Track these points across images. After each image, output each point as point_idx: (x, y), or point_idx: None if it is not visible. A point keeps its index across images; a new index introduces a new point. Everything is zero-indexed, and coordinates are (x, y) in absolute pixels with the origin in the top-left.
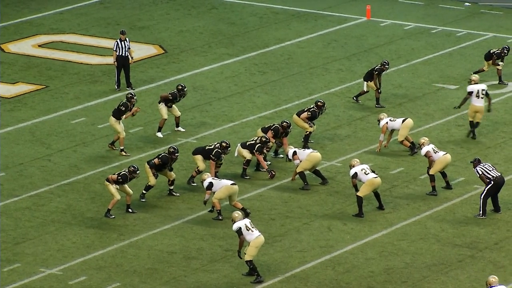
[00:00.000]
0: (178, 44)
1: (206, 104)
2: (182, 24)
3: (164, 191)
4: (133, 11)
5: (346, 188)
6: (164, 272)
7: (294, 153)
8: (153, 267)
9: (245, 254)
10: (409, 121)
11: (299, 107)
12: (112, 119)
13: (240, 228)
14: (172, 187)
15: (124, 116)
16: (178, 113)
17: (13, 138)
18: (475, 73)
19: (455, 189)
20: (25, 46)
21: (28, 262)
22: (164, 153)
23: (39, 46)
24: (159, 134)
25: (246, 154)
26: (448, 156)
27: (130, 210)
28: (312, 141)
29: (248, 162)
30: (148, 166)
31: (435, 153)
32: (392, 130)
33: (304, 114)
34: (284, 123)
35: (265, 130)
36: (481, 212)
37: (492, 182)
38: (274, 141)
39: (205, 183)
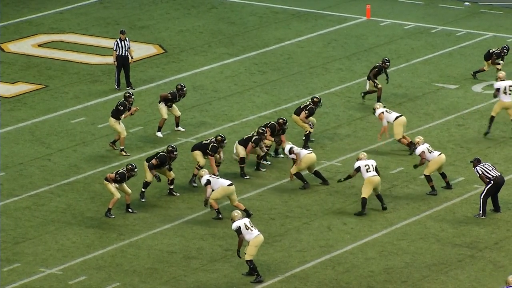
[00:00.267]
0: (178, 43)
1: (206, 103)
2: (182, 23)
3: (164, 190)
4: (133, 11)
5: (346, 188)
6: (164, 272)
7: (291, 148)
8: (153, 266)
9: (245, 253)
10: (403, 118)
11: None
12: (112, 119)
13: (239, 227)
14: (172, 187)
15: (123, 115)
16: (178, 113)
17: (13, 138)
18: (475, 72)
19: (455, 189)
20: (25, 46)
21: (28, 262)
22: (162, 152)
23: (39, 45)
24: (159, 134)
25: (241, 151)
26: (443, 156)
27: (130, 210)
28: (312, 140)
29: (242, 160)
30: (147, 165)
31: (430, 152)
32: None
33: (303, 114)
34: (280, 119)
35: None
36: (481, 212)
37: (492, 182)
38: (272, 139)
39: (203, 180)
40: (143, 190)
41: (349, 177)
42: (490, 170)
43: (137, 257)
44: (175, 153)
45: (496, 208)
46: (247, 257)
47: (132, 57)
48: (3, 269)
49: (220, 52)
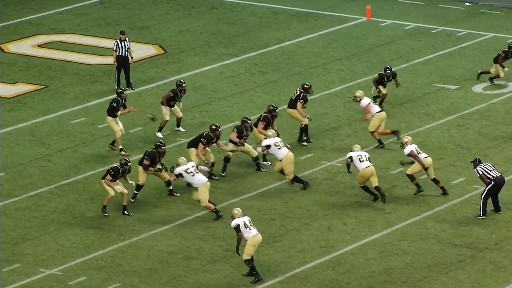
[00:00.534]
0: (178, 44)
1: (206, 104)
2: (182, 24)
3: (164, 191)
4: (133, 11)
5: (347, 188)
6: (164, 273)
7: (268, 146)
8: (153, 267)
9: (243, 253)
10: (383, 113)
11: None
12: (108, 118)
13: (239, 225)
14: (171, 187)
15: (119, 112)
16: (180, 114)
17: (12, 138)
18: (482, 73)
19: (455, 189)
20: (25, 46)
21: (28, 262)
22: (151, 149)
23: (39, 46)
24: (159, 134)
25: (231, 147)
26: (429, 159)
27: (125, 212)
28: (312, 141)
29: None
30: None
31: (418, 153)
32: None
33: (299, 104)
34: (270, 107)
35: (256, 124)
36: (481, 212)
37: (493, 182)
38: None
39: (177, 171)
40: (135, 192)
41: (347, 166)
42: (490, 171)
43: (137, 258)
44: (162, 147)
45: (497, 209)
46: (245, 257)
47: (132, 58)
48: (3, 269)
49: (220, 52)
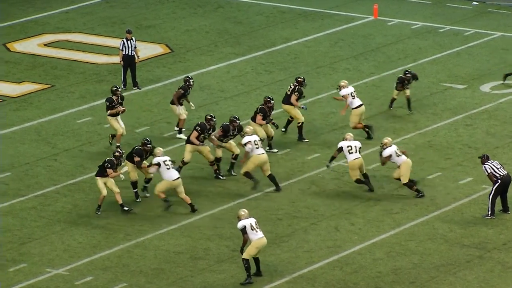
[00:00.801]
0: (184, 43)
1: (213, 103)
2: (188, 23)
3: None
4: (139, 10)
5: (354, 188)
6: (170, 273)
7: (247, 143)
8: (160, 267)
9: (244, 252)
10: (363, 108)
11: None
12: (108, 117)
13: (245, 226)
14: (147, 185)
15: (114, 110)
16: (184, 116)
17: (18, 138)
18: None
19: (463, 189)
20: (31, 45)
21: (34, 262)
22: (138, 146)
23: (45, 45)
24: (181, 135)
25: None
26: (410, 161)
27: (125, 208)
28: (306, 140)
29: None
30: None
31: (397, 156)
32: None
33: (293, 97)
34: (266, 98)
35: (253, 118)
36: (489, 212)
37: (499, 181)
38: (264, 123)
39: (155, 160)
40: (135, 191)
41: (333, 158)
42: (497, 169)
43: (144, 258)
44: (149, 145)
45: (505, 209)
46: (245, 255)
47: (138, 57)
48: (9, 269)
49: (226, 51)
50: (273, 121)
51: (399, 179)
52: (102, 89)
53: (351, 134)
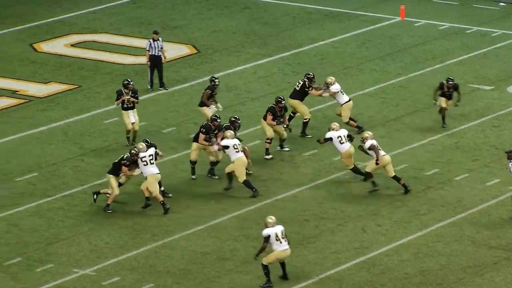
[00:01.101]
0: (211, 44)
1: (240, 104)
2: (215, 24)
3: (198, 192)
4: (165, 11)
5: (381, 189)
6: (197, 273)
7: (227, 147)
8: (187, 268)
9: (264, 257)
10: (351, 103)
11: (332, 108)
12: (122, 111)
13: (269, 236)
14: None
15: (120, 100)
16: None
17: (45, 138)
18: None
19: (490, 191)
20: (58, 46)
21: (61, 262)
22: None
23: (72, 45)
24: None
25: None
26: (388, 157)
27: (108, 210)
28: (309, 136)
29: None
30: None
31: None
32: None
33: (314, 91)
34: (278, 98)
35: (265, 117)
36: None
37: None
38: (274, 123)
39: (140, 155)
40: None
41: (319, 141)
42: None
43: (171, 258)
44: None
45: None
46: (264, 261)
47: (165, 57)
48: (37, 269)
49: (253, 52)
50: (287, 125)
51: (370, 173)
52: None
53: (337, 124)
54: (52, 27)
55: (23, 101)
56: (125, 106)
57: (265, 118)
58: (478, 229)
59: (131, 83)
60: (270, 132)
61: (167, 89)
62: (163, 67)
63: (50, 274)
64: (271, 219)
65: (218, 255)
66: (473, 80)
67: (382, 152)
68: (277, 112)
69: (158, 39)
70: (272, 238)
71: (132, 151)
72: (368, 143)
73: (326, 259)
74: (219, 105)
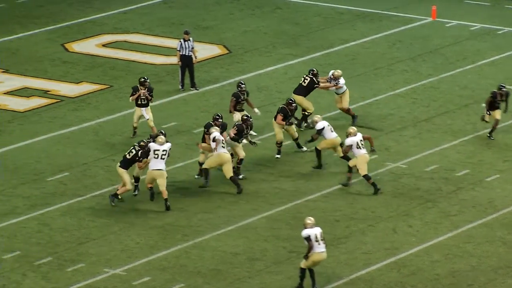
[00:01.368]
0: (242, 44)
1: (270, 104)
2: (246, 24)
3: (228, 192)
4: (197, 11)
5: (411, 190)
6: (228, 273)
7: (215, 137)
8: (217, 268)
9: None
10: (348, 91)
11: (363, 108)
12: (135, 108)
13: (310, 236)
14: (137, 184)
15: (135, 95)
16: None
17: (76, 138)
18: None
19: None
20: (89, 46)
21: (92, 262)
22: (137, 148)
23: (103, 45)
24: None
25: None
26: (367, 156)
27: (112, 202)
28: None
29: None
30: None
31: (357, 148)
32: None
33: (326, 84)
34: (289, 100)
35: (275, 117)
36: None
37: None
38: (284, 123)
39: (155, 147)
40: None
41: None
42: None
43: (201, 258)
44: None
45: None
46: (302, 264)
47: (196, 58)
48: (68, 269)
49: (284, 53)
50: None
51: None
52: (160, 90)
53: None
54: (83, 27)
55: (54, 101)
56: (139, 102)
57: (275, 119)
58: (510, 230)
59: (148, 80)
60: (279, 136)
61: (198, 89)
62: (194, 67)
63: (81, 274)
64: (310, 220)
65: (248, 256)
66: (504, 81)
67: (363, 150)
68: (288, 112)
69: (189, 39)
70: (312, 239)
71: (141, 143)
72: (348, 141)
73: (357, 259)
74: (256, 109)
